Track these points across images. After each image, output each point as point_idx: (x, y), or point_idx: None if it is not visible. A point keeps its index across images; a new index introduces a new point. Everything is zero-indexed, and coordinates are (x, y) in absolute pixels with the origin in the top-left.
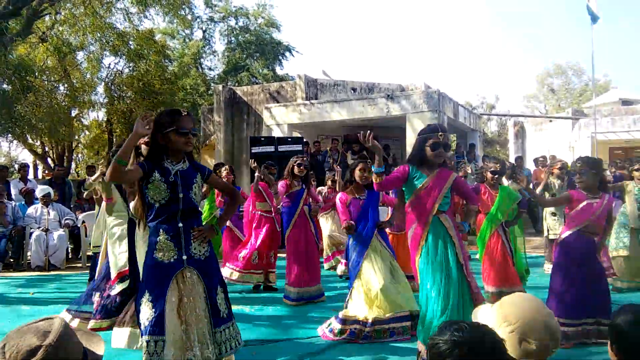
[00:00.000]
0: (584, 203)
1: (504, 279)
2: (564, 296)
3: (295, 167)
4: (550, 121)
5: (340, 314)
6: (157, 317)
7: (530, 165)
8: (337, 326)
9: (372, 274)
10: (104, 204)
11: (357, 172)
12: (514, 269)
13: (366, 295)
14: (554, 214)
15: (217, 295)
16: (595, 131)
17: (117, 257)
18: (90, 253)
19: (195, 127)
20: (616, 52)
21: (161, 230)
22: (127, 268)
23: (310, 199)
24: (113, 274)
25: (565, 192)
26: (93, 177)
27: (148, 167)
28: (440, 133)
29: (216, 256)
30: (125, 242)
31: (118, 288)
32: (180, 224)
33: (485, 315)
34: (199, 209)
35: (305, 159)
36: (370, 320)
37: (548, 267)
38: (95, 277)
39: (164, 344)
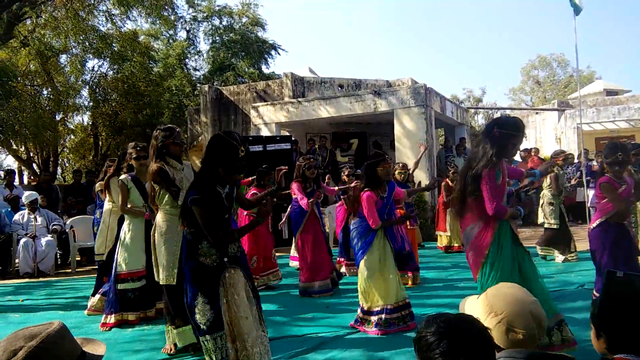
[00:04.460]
0: (618, 191)
1: None
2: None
3: (307, 171)
4: (537, 113)
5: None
6: (217, 316)
7: (517, 157)
8: (365, 317)
9: (377, 266)
10: (107, 208)
11: (380, 171)
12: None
13: (376, 285)
14: (551, 204)
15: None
16: (580, 122)
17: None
18: (97, 259)
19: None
20: (599, 43)
21: (204, 241)
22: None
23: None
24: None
25: (604, 183)
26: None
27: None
28: (522, 133)
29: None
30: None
31: (129, 285)
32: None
33: (472, 306)
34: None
35: (313, 159)
36: (389, 307)
37: (538, 250)
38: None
39: (223, 337)
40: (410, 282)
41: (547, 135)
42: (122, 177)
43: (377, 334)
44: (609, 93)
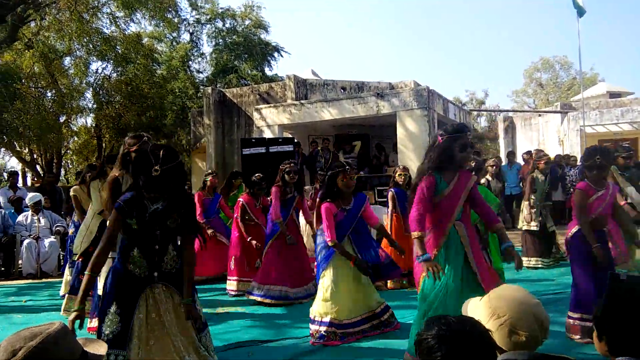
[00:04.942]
0: (595, 197)
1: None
2: (588, 292)
3: (286, 175)
4: (540, 115)
5: (311, 315)
6: (122, 331)
7: (520, 160)
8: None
9: (337, 278)
10: (89, 212)
11: (339, 182)
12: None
13: (331, 296)
14: (532, 207)
15: (195, 303)
16: (584, 124)
17: None
18: (74, 259)
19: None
20: (603, 45)
21: (136, 248)
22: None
23: (301, 210)
24: None
25: (577, 189)
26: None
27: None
28: (468, 133)
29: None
30: None
31: None
32: (157, 246)
33: (474, 308)
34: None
35: (294, 164)
36: (343, 322)
37: (526, 260)
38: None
39: (119, 357)
40: (392, 285)
41: (549, 137)
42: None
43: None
44: (612, 95)
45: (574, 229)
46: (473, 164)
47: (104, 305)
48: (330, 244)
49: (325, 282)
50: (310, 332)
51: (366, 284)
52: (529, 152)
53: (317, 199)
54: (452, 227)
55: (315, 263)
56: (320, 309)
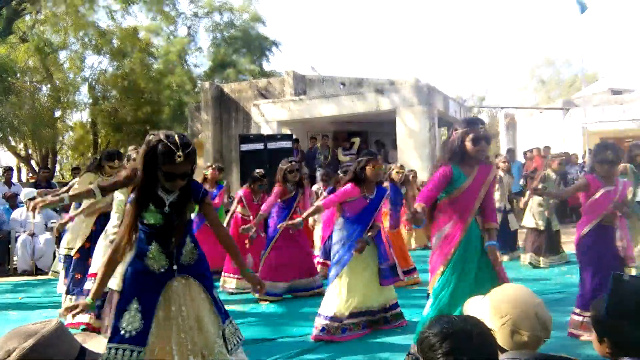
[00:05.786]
0: (602, 192)
1: None
2: (596, 291)
3: (289, 175)
4: (541, 112)
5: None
6: (144, 329)
7: (521, 158)
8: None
9: (353, 277)
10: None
11: (369, 170)
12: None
13: (346, 293)
14: (540, 205)
15: (215, 293)
16: (586, 121)
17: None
18: (65, 253)
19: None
20: (604, 42)
21: (154, 242)
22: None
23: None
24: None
25: (582, 177)
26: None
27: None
28: (481, 126)
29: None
30: None
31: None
32: (175, 239)
33: (477, 307)
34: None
35: (295, 162)
36: (347, 314)
37: (524, 257)
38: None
39: (139, 355)
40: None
41: (551, 135)
42: None
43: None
44: (615, 92)
45: (586, 229)
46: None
47: (122, 302)
48: (321, 208)
49: (339, 279)
50: (315, 325)
51: (377, 281)
52: (531, 150)
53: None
54: (473, 220)
55: (318, 260)
56: (330, 303)
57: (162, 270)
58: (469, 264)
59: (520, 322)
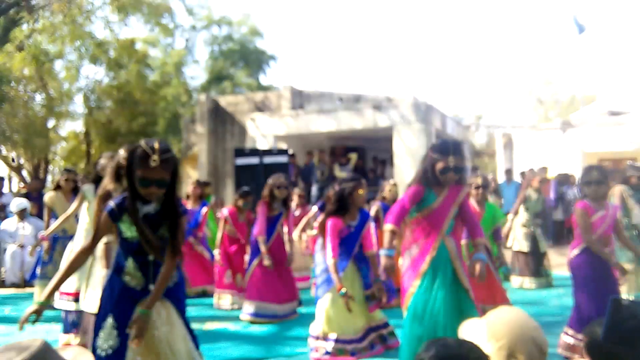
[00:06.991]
0: (596, 216)
1: (491, 296)
2: (590, 313)
3: (276, 190)
4: (539, 132)
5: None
6: (122, 347)
7: (518, 178)
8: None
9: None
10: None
11: (356, 196)
12: (501, 285)
13: (334, 315)
14: (524, 225)
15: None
16: (583, 142)
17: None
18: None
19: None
20: (602, 63)
21: (130, 258)
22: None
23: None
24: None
25: (578, 209)
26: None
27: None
28: (450, 158)
29: (184, 280)
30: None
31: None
32: (151, 257)
33: (472, 331)
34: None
35: (284, 179)
36: (350, 338)
37: (516, 281)
38: None
39: None
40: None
41: (548, 155)
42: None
43: None
44: (613, 114)
45: (576, 250)
46: (480, 181)
47: (100, 318)
48: (331, 260)
49: (327, 301)
50: (313, 347)
51: (365, 302)
52: (531, 170)
53: (323, 215)
54: (442, 242)
55: (305, 281)
56: (325, 326)
57: (139, 288)
58: (441, 283)
59: (517, 347)
